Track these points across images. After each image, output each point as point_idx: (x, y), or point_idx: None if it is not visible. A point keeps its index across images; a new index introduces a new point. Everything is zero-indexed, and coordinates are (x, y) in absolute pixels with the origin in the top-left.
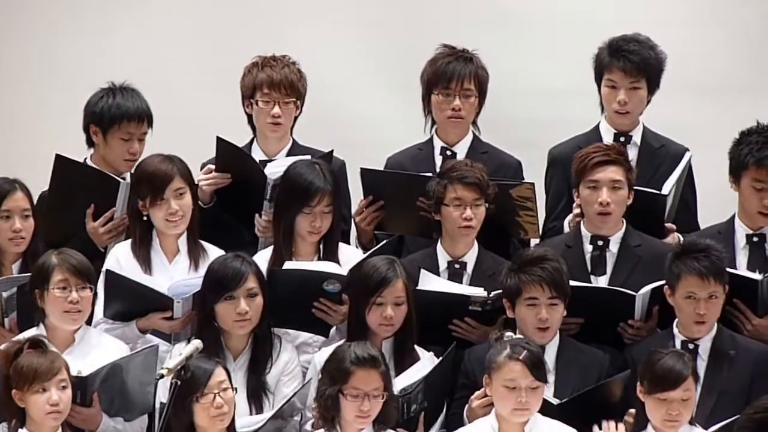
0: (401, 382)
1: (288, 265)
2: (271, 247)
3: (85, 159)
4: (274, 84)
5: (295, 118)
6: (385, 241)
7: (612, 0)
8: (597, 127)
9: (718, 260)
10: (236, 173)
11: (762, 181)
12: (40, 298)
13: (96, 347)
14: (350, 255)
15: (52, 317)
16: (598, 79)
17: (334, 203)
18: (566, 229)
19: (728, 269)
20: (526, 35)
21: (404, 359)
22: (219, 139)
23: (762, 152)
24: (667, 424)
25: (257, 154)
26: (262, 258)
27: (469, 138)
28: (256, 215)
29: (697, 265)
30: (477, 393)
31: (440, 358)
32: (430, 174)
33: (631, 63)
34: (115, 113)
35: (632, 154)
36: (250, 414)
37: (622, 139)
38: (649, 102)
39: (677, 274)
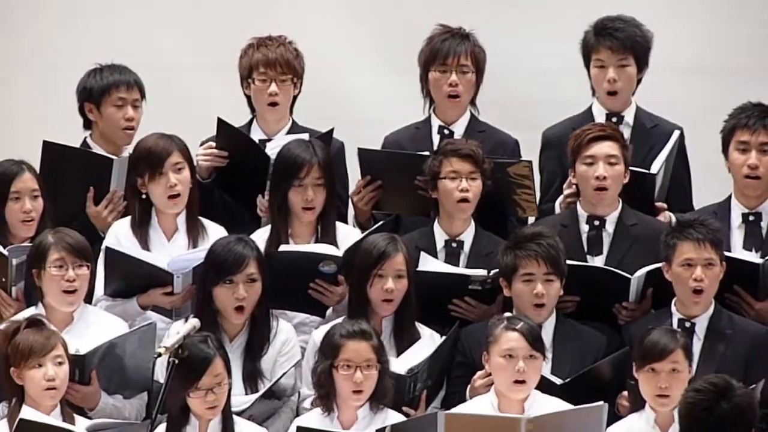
0: (407, 360)
1: (284, 247)
2: (269, 227)
3: (85, 139)
4: (270, 63)
5: (294, 97)
6: (381, 222)
7: None
8: (590, 109)
9: (714, 230)
10: (237, 154)
11: (746, 142)
12: (38, 277)
13: (95, 325)
14: (348, 234)
15: (49, 297)
16: (587, 62)
17: (326, 178)
18: (557, 210)
19: (728, 254)
20: (523, 16)
21: (404, 337)
22: (220, 120)
23: (742, 114)
24: (658, 400)
25: (256, 134)
26: (259, 237)
27: (466, 117)
28: (259, 196)
29: (693, 231)
30: (480, 372)
31: (444, 338)
32: (427, 153)
33: (618, 40)
34: (103, 84)
35: (625, 134)
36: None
37: (614, 119)
38: (639, 81)
39: (673, 245)
